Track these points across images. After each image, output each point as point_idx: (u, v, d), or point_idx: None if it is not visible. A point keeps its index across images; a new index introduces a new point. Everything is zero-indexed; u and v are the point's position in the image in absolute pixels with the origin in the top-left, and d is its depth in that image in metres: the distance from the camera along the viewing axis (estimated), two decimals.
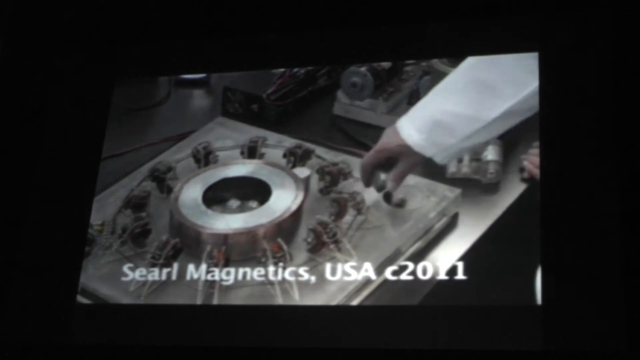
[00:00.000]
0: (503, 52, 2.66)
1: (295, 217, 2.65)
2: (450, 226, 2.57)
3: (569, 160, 2.51)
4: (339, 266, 2.55)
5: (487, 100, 2.59)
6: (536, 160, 2.54)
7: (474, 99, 2.60)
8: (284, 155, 2.77)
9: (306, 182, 2.70)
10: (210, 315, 2.61)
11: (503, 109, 2.57)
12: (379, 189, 2.65)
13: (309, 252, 2.60)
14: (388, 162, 2.65)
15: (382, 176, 2.64)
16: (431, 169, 2.62)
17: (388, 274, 2.52)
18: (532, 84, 2.58)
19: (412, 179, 2.64)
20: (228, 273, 2.61)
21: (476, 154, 2.61)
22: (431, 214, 2.58)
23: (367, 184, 2.67)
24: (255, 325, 2.56)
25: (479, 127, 2.58)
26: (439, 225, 2.57)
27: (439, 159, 2.61)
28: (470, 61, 2.68)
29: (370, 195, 2.64)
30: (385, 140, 2.66)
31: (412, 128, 2.61)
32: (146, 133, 2.92)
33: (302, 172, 2.72)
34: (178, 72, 2.98)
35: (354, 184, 2.67)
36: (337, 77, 2.82)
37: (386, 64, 2.79)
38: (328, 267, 2.56)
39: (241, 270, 2.61)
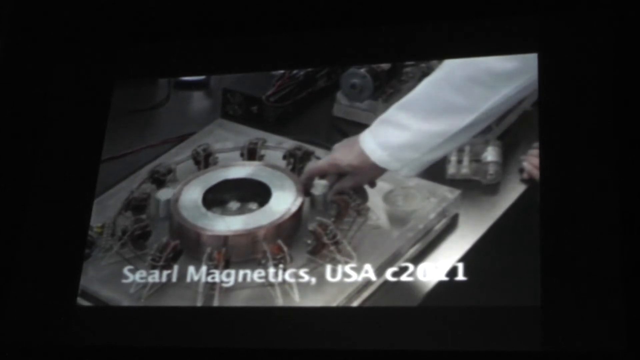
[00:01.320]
0: (503, 53, 2.66)
1: (295, 218, 2.65)
2: (450, 227, 2.57)
3: (568, 161, 2.51)
4: (339, 268, 2.56)
5: (447, 116, 2.61)
6: (536, 161, 2.54)
7: (433, 116, 2.62)
8: (284, 157, 2.77)
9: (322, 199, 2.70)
10: (211, 317, 2.61)
11: (464, 123, 2.59)
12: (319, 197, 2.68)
13: (309, 254, 2.60)
14: (337, 175, 2.68)
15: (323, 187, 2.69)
16: (431, 171, 2.63)
17: (388, 275, 2.53)
18: (490, 98, 2.59)
19: (412, 180, 2.64)
20: (228, 275, 2.61)
21: (476, 155, 2.62)
22: (431, 215, 2.58)
23: (306, 192, 2.69)
24: (255, 326, 2.56)
25: (440, 141, 2.60)
26: (439, 227, 2.57)
27: (404, 173, 2.63)
28: (425, 82, 2.68)
29: (370, 196, 2.65)
30: (340, 156, 2.69)
31: (374, 144, 2.64)
32: (146, 135, 2.92)
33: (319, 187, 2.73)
34: (178, 73, 2.98)
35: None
36: (336, 78, 2.82)
37: (385, 66, 2.78)
38: (328, 268, 2.56)
39: (241, 272, 2.61)
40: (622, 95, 2.53)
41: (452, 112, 2.60)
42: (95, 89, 3.00)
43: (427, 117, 2.62)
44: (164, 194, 2.76)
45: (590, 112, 2.54)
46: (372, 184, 2.66)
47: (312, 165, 2.73)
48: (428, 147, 2.61)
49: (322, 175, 2.70)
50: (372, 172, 2.65)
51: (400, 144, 2.62)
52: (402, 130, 2.63)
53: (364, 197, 2.65)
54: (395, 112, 2.66)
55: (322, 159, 2.74)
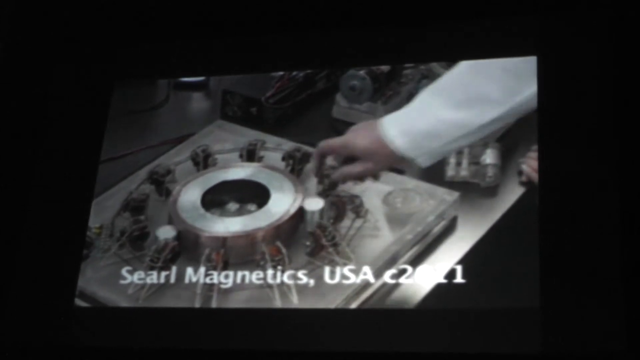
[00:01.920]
0: (502, 55, 2.65)
1: (294, 220, 2.65)
2: (449, 229, 2.57)
3: (567, 163, 2.50)
4: (338, 269, 2.55)
5: (477, 107, 2.58)
6: (534, 163, 2.54)
7: (463, 105, 2.59)
8: (283, 159, 2.77)
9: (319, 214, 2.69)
10: (209, 318, 2.61)
11: (492, 116, 2.57)
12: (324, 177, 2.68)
13: (307, 255, 2.60)
14: (349, 157, 2.66)
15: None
16: (430, 173, 2.62)
17: (387, 277, 2.52)
18: (522, 92, 2.58)
19: (410, 182, 2.64)
20: (227, 276, 2.61)
21: (475, 157, 2.61)
22: (430, 217, 2.58)
23: (318, 171, 2.69)
24: (254, 328, 2.56)
25: (465, 132, 2.58)
26: (437, 229, 2.57)
27: (421, 161, 2.61)
28: (460, 67, 2.67)
29: (369, 198, 2.64)
30: (356, 138, 2.66)
31: (396, 130, 2.60)
32: (145, 136, 2.92)
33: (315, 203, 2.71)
34: (177, 74, 2.98)
35: (352, 187, 2.67)
36: (336, 80, 2.82)
37: (385, 68, 2.78)
38: (327, 270, 2.56)
39: (240, 274, 2.61)
40: (622, 96, 2.52)
41: (483, 103, 2.57)
42: (95, 89, 2.99)
43: (458, 106, 2.58)
44: (164, 232, 2.73)
45: (589, 113, 2.54)
46: (377, 176, 2.64)
47: (324, 143, 2.70)
48: (451, 137, 2.58)
49: (333, 154, 2.68)
50: (385, 161, 2.62)
51: (424, 131, 2.59)
52: (429, 117, 2.60)
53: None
54: (426, 98, 2.63)
55: (337, 138, 2.71)
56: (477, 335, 2.41)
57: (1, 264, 2.81)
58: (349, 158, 2.67)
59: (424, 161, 2.61)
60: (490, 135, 2.60)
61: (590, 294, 2.36)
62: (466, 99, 2.59)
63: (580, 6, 2.65)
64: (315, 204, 2.66)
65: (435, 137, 2.59)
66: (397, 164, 2.63)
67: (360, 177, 2.66)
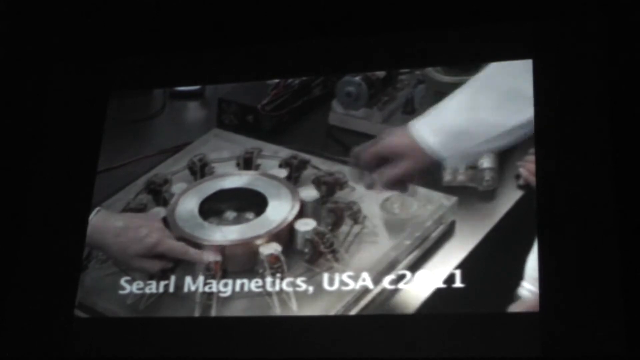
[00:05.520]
0: (497, 59, 2.66)
1: (292, 227, 2.64)
2: (447, 234, 2.57)
3: (564, 166, 2.51)
4: (337, 276, 2.55)
5: (514, 105, 2.57)
6: (532, 167, 2.54)
7: (500, 104, 2.58)
8: (280, 166, 2.77)
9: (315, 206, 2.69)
10: (209, 327, 2.61)
11: (529, 114, 2.56)
12: (368, 186, 2.66)
13: (306, 263, 2.59)
14: (385, 161, 2.64)
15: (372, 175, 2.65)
16: (428, 177, 2.62)
17: (386, 283, 2.52)
18: None
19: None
20: (226, 285, 2.61)
21: (472, 162, 2.61)
22: (428, 222, 2.58)
23: (359, 177, 2.67)
24: (253, 336, 2.56)
25: (500, 132, 2.56)
26: (435, 234, 2.57)
27: (450, 163, 2.59)
28: (494, 66, 2.66)
29: (367, 204, 2.64)
30: (390, 140, 2.64)
31: (427, 130, 2.58)
32: (142, 145, 2.92)
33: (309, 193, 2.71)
34: (173, 84, 2.98)
35: (350, 194, 2.67)
36: (331, 86, 2.82)
37: (380, 73, 2.79)
38: (325, 277, 2.56)
39: (239, 282, 2.61)
40: (618, 100, 2.53)
41: (519, 101, 2.57)
42: (91, 100, 3.00)
43: (492, 106, 2.58)
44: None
45: (585, 117, 2.54)
46: (420, 178, 2.62)
47: (358, 148, 2.68)
48: (484, 137, 2.56)
49: (368, 157, 2.66)
50: (418, 161, 2.59)
51: (457, 131, 2.58)
52: (463, 116, 2.59)
53: (409, 192, 2.62)
54: (455, 100, 2.62)
55: (370, 142, 2.69)
56: (476, 340, 2.41)
57: (0, 276, 2.81)
58: (388, 159, 2.64)
59: (453, 162, 2.59)
60: (520, 139, 2.58)
61: (590, 297, 2.36)
62: (503, 99, 2.58)
63: (575, 11, 2.65)
64: (310, 193, 2.69)
65: (467, 137, 2.58)
66: (429, 165, 2.60)
67: (401, 181, 2.63)
